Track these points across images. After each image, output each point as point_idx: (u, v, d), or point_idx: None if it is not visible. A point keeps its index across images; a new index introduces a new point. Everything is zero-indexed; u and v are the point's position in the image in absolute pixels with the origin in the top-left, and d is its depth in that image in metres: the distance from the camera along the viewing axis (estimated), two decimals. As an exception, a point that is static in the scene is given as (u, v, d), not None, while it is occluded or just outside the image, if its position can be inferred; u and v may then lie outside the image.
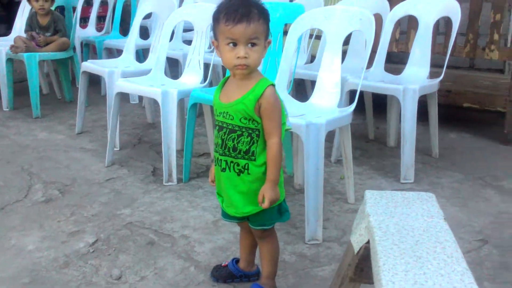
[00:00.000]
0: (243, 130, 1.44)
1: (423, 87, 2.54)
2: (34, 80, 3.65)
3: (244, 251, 1.73)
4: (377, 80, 2.68)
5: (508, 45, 3.44)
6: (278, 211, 1.56)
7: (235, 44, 1.39)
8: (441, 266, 0.99)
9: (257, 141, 1.45)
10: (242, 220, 1.60)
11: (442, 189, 2.48)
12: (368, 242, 1.18)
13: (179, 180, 2.57)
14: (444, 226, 1.15)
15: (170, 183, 2.55)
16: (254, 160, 1.46)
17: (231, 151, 1.46)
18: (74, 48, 4.01)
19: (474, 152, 2.98)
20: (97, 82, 4.27)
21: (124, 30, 4.72)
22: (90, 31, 4.83)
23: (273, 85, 1.45)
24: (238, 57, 1.38)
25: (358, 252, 1.20)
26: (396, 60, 3.75)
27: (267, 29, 1.42)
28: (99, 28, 4.93)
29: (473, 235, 2.04)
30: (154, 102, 3.56)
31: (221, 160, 1.50)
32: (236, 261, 1.76)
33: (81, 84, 3.23)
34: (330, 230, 2.09)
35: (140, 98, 4.05)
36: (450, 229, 1.14)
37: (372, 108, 3.15)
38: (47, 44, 3.84)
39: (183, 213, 2.24)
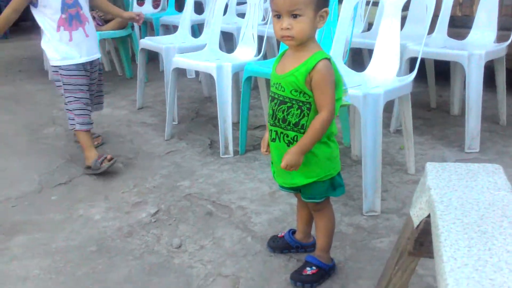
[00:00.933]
0: (293, 102, 1.42)
1: (489, 52, 2.39)
2: (97, 58, 3.76)
3: (300, 222, 1.74)
4: (440, 46, 2.55)
5: None
6: (331, 185, 1.53)
7: (279, 16, 1.38)
8: (508, 242, 0.94)
9: (308, 114, 1.42)
10: (295, 190, 1.60)
11: (510, 159, 2.36)
12: (429, 216, 1.13)
13: (236, 153, 2.60)
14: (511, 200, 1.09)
15: (227, 156, 2.58)
16: (303, 132, 1.44)
17: (280, 122, 1.45)
18: (132, 26, 4.09)
19: (546, 120, 2.80)
20: (156, 58, 4.36)
21: (180, 6, 4.77)
22: (147, 8, 4.92)
23: (328, 59, 1.41)
24: (282, 29, 1.37)
25: (418, 226, 1.16)
26: (460, 25, 3.53)
27: (316, 0, 1.36)
28: (155, 5, 5.00)
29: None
30: (210, 77, 3.57)
31: (271, 130, 1.50)
32: (292, 232, 1.76)
33: (140, 61, 3.31)
34: (389, 201, 2.05)
35: (197, 73, 4.11)
36: (518, 202, 1.07)
37: (434, 75, 3.01)
38: (107, 21, 3.95)
39: (240, 184, 2.27)
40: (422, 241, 1.17)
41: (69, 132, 2.91)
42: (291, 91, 1.42)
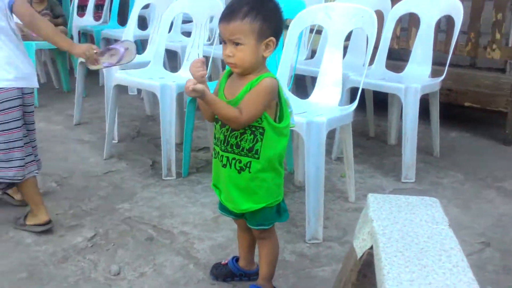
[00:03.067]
0: (246, 128, 1.42)
1: (425, 86, 2.53)
2: (32, 69, 3.60)
3: (242, 249, 1.72)
4: (379, 77, 2.66)
5: (510, 44, 3.42)
6: (277, 211, 1.54)
7: (225, 42, 1.40)
8: (447, 276, 0.98)
9: (261, 139, 1.42)
10: (239, 217, 1.59)
11: (443, 190, 2.48)
12: (371, 247, 1.16)
13: (178, 175, 2.55)
14: (449, 233, 1.14)
15: (169, 178, 2.53)
16: (258, 158, 1.43)
17: (234, 148, 1.44)
18: (71, 37, 3.96)
19: (475, 152, 2.98)
20: (96, 72, 4.23)
21: (122, 20, 4.69)
22: (88, 20, 4.78)
23: (275, 78, 1.42)
24: (224, 55, 1.40)
25: (361, 257, 1.19)
26: (397, 57, 3.72)
27: (259, 28, 1.36)
28: (96, 17, 4.88)
29: (475, 237, 2.03)
30: (153, 95, 3.54)
31: (222, 156, 1.48)
32: (236, 259, 1.74)
33: (79, 74, 3.21)
34: (331, 229, 2.08)
35: (139, 89, 4.02)
36: (455, 236, 1.13)
37: (373, 105, 3.14)
38: None
39: (182, 208, 2.23)
40: (365, 273, 1.20)
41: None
42: None
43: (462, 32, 3.32)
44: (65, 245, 1.92)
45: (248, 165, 1.44)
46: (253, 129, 1.42)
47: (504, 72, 3.67)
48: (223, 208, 1.60)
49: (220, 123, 1.47)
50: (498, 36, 3.30)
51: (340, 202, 2.34)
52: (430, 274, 0.98)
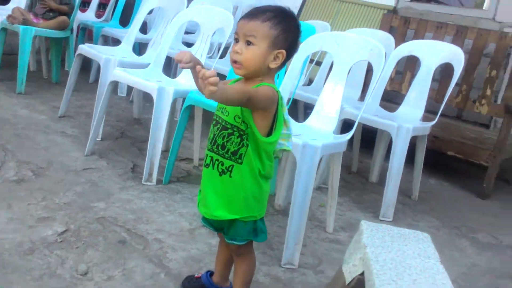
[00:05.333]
0: (235, 129, 1.38)
1: (416, 128, 2.56)
2: (25, 55, 3.54)
3: (219, 264, 1.67)
4: (372, 113, 2.68)
5: (498, 101, 3.51)
6: (254, 229, 1.48)
7: (237, 41, 1.38)
8: (439, 311, 0.96)
9: (247, 145, 1.39)
10: (218, 230, 1.54)
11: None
12: (362, 274, 1.14)
13: (158, 181, 2.49)
14: (441, 269, 1.13)
15: (149, 183, 2.47)
16: (241, 163, 1.40)
17: (219, 149, 1.41)
18: (72, 29, 3.90)
19: (452, 201, 3.00)
20: (87, 68, 4.16)
21: (123, 21, 4.68)
22: (89, 16, 4.77)
23: (276, 90, 1.38)
24: (233, 51, 1.37)
25: (350, 283, 1.16)
26: (388, 98, 3.78)
27: (276, 36, 1.36)
28: (97, 15, 4.86)
29: (448, 283, 2.02)
30: (144, 98, 3.50)
31: (207, 155, 1.45)
32: (210, 274, 1.69)
33: (74, 66, 3.14)
34: (307, 256, 2.05)
35: (129, 91, 3.98)
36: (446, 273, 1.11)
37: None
38: (51, 13, 3.74)
39: (159, 215, 2.17)
40: (351, 300, 1.17)
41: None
42: (234, 117, 1.38)
43: (457, 84, 3.41)
44: (33, 237, 1.83)
45: (229, 169, 1.40)
46: (241, 132, 1.38)
47: (488, 127, 3.75)
48: (204, 219, 1.55)
49: (214, 122, 1.44)
50: (488, 92, 3.39)
51: (318, 231, 2.31)
52: (422, 308, 0.96)
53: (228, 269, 1.68)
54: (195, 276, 1.70)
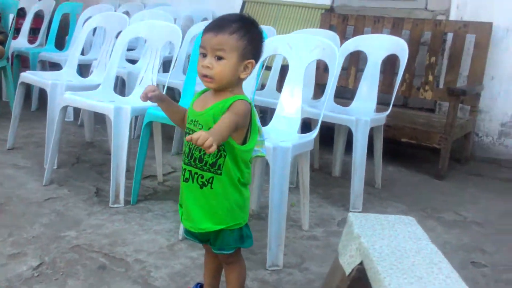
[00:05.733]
0: None
1: (373, 119, 2.65)
2: (-41, 89, 3.34)
3: (208, 275, 1.65)
4: (329, 110, 2.75)
5: (440, 86, 3.70)
6: (240, 236, 1.49)
7: (205, 55, 1.38)
8: (443, 286, 1.00)
9: (224, 155, 1.39)
10: (204, 241, 1.53)
11: (389, 218, 2.57)
12: (360, 263, 1.17)
13: (126, 202, 2.43)
14: (434, 249, 1.18)
15: (116, 205, 2.40)
16: (221, 174, 1.40)
17: (197, 162, 1.41)
18: (8, 58, 3.74)
19: (413, 185, 3.13)
20: (27, 96, 3.99)
21: (58, 44, 4.54)
22: (22, 43, 4.59)
23: (249, 103, 1.40)
24: (203, 66, 1.37)
25: (350, 273, 1.19)
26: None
27: (244, 47, 1.37)
28: (30, 41, 4.69)
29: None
30: (95, 120, 3.41)
31: (185, 169, 1.44)
32: (200, 286, 1.68)
33: (18, 95, 3.01)
34: (289, 256, 2.07)
35: (76, 115, 3.86)
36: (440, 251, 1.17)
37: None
38: None
39: (134, 236, 2.12)
40: (353, 289, 1.20)
41: None
42: (208, 129, 1.38)
43: (395, 73, 3.57)
44: (8, 275, 1.74)
45: (210, 181, 1.40)
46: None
47: (433, 112, 3.94)
48: (188, 232, 1.54)
49: (187, 135, 1.44)
50: (430, 78, 3.57)
51: (294, 230, 2.34)
52: (427, 285, 1.01)
53: (217, 279, 1.66)
54: (185, 290, 1.68)
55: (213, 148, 1.17)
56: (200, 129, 1.39)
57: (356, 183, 2.60)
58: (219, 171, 1.39)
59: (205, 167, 1.40)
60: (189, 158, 1.42)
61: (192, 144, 1.40)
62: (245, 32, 1.38)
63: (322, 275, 1.92)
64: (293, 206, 2.60)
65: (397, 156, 3.59)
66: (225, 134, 1.28)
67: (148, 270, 1.86)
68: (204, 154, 1.39)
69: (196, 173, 1.41)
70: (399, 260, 1.09)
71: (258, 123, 1.47)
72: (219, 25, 1.37)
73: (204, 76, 1.38)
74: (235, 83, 1.41)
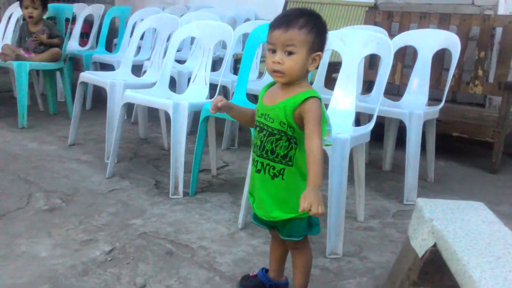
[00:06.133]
0: (282, 134, 1.44)
1: (426, 112, 2.66)
2: (23, 89, 3.55)
3: (274, 261, 1.72)
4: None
5: (491, 80, 3.65)
6: (308, 224, 1.55)
7: (274, 51, 1.42)
8: (522, 265, 1.03)
9: (295, 147, 1.45)
10: (272, 228, 1.59)
11: (444, 211, 2.56)
12: (434, 245, 1.20)
13: (185, 194, 2.53)
14: (508, 231, 1.20)
15: (176, 196, 2.50)
16: (292, 165, 1.46)
17: (269, 154, 1.47)
18: (65, 60, 3.92)
19: (465, 179, 3.11)
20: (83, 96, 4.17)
21: (107, 46, 4.72)
22: (74, 46, 4.79)
23: (319, 98, 1.45)
24: (273, 62, 1.41)
25: (424, 255, 1.22)
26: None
27: (313, 41, 1.42)
28: (80, 44, 4.90)
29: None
30: (149, 118, 3.54)
31: (257, 161, 1.50)
32: (265, 270, 1.74)
33: (78, 95, 3.16)
34: (347, 245, 2.11)
35: (129, 114, 3.99)
36: (514, 234, 1.19)
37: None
38: (41, 47, 3.76)
39: (196, 225, 2.20)
40: (427, 270, 1.23)
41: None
42: (280, 123, 1.44)
43: (445, 69, 3.55)
44: (83, 259, 1.85)
45: (281, 172, 1.46)
46: (288, 136, 1.45)
47: (483, 106, 3.89)
48: (256, 218, 1.61)
49: (258, 129, 1.50)
50: (480, 72, 3.52)
51: (350, 221, 2.37)
52: (507, 264, 1.03)
53: (282, 264, 1.73)
54: (251, 274, 1.74)
55: (323, 212, 1.29)
56: (271, 123, 1.45)
57: (410, 176, 2.61)
58: (290, 163, 1.45)
59: (277, 159, 1.46)
60: (261, 150, 1.48)
61: (264, 136, 1.46)
62: (313, 25, 1.43)
63: (381, 264, 1.95)
64: (347, 198, 2.63)
65: (447, 151, 3.55)
66: (322, 165, 1.36)
67: (212, 256, 1.94)
68: (276, 146, 1.45)
69: (268, 164, 1.47)
70: (474, 241, 1.12)
71: (326, 113, 1.52)
72: (287, 20, 1.41)
73: (275, 72, 1.43)
74: (304, 75, 1.47)
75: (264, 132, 1.47)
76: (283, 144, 1.45)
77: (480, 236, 1.15)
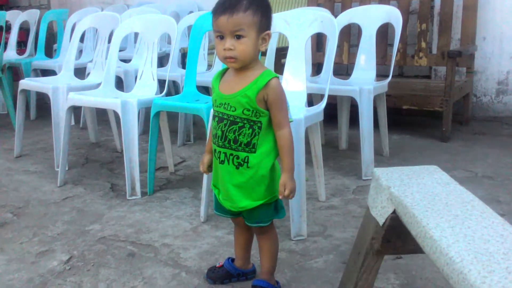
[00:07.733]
0: (245, 122, 1.42)
1: (376, 87, 2.68)
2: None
3: (240, 249, 1.69)
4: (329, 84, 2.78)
5: (434, 51, 3.74)
6: (275, 208, 1.54)
7: (222, 37, 1.39)
8: (480, 220, 1.04)
9: (258, 133, 1.43)
10: (236, 215, 1.57)
11: (402, 182, 2.61)
12: (393, 212, 1.21)
13: (143, 194, 2.46)
14: (463, 190, 1.22)
15: (134, 197, 2.43)
16: (254, 152, 1.44)
17: (231, 143, 1.44)
18: (2, 70, 3.73)
19: (419, 150, 3.18)
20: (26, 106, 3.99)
21: (47, 52, 4.55)
22: (11, 55, 4.58)
23: (277, 77, 1.44)
24: (224, 49, 1.38)
25: (384, 223, 1.22)
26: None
27: (260, 21, 1.39)
28: (18, 53, 4.69)
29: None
30: (98, 121, 3.43)
31: (220, 152, 1.47)
32: (231, 260, 1.71)
33: (19, 103, 3.02)
34: (311, 226, 2.11)
35: (77, 119, 3.86)
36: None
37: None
38: None
39: (157, 223, 2.15)
40: (389, 238, 1.23)
41: None
42: (242, 111, 1.41)
43: (389, 45, 3.61)
44: (40, 271, 1.76)
45: (246, 160, 1.44)
46: (252, 123, 1.42)
47: (429, 78, 3.99)
48: (219, 208, 1.58)
49: (217, 119, 1.47)
50: (423, 45, 3.61)
51: (312, 202, 2.38)
52: (465, 221, 1.04)
53: (248, 252, 1.70)
54: (217, 265, 1.71)
55: (293, 195, 1.47)
56: (232, 111, 1.42)
57: (366, 151, 2.64)
58: (253, 149, 1.43)
59: (240, 147, 1.43)
60: (223, 140, 1.44)
61: (225, 126, 1.43)
62: (257, 5, 1.39)
63: (346, 240, 1.96)
64: (307, 181, 2.63)
65: (398, 125, 3.63)
66: (292, 148, 1.47)
67: (176, 252, 1.89)
68: (239, 134, 1.42)
69: (231, 154, 1.44)
70: (432, 203, 1.13)
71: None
72: (230, 5, 1.37)
73: (227, 58, 1.39)
74: (256, 56, 1.44)
75: (225, 121, 1.43)
76: (246, 131, 1.42)
77: (437, 197, 1.16)
